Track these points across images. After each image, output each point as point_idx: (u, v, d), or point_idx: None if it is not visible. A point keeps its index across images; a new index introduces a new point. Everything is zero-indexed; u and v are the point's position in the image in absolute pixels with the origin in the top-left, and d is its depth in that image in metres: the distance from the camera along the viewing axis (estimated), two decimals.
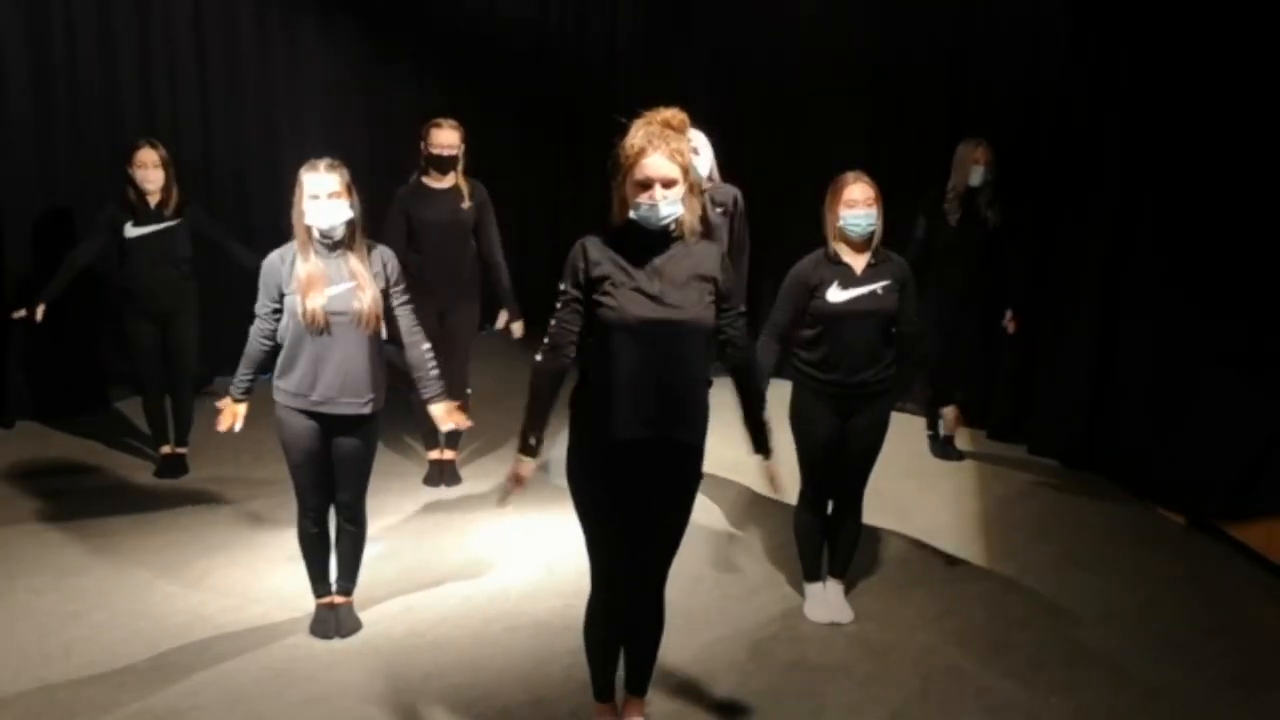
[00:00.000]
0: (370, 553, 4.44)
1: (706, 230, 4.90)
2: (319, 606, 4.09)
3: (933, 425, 6.01)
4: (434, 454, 5.57)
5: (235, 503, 5.22)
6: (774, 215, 6.69)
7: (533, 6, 8.47)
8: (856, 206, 3.91)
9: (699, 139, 5.01)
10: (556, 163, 8.61)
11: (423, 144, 5.26)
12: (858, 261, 3.97)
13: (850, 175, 3.98)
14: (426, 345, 3.98)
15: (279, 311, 3.84)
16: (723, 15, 7.54)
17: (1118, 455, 5.58)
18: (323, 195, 3.72)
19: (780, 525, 4.93)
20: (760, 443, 3.31)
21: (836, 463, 4.10)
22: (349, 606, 4.12)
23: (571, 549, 4.72)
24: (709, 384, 3.22)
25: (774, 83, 7.28)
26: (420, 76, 7.99)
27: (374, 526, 4.44)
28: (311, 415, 3.83)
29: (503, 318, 5.62)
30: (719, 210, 5.07)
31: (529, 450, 3.13)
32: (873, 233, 3.94)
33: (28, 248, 6.17)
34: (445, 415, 3.99)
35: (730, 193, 5.12)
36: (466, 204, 5.29)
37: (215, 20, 6.93)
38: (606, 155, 3.04)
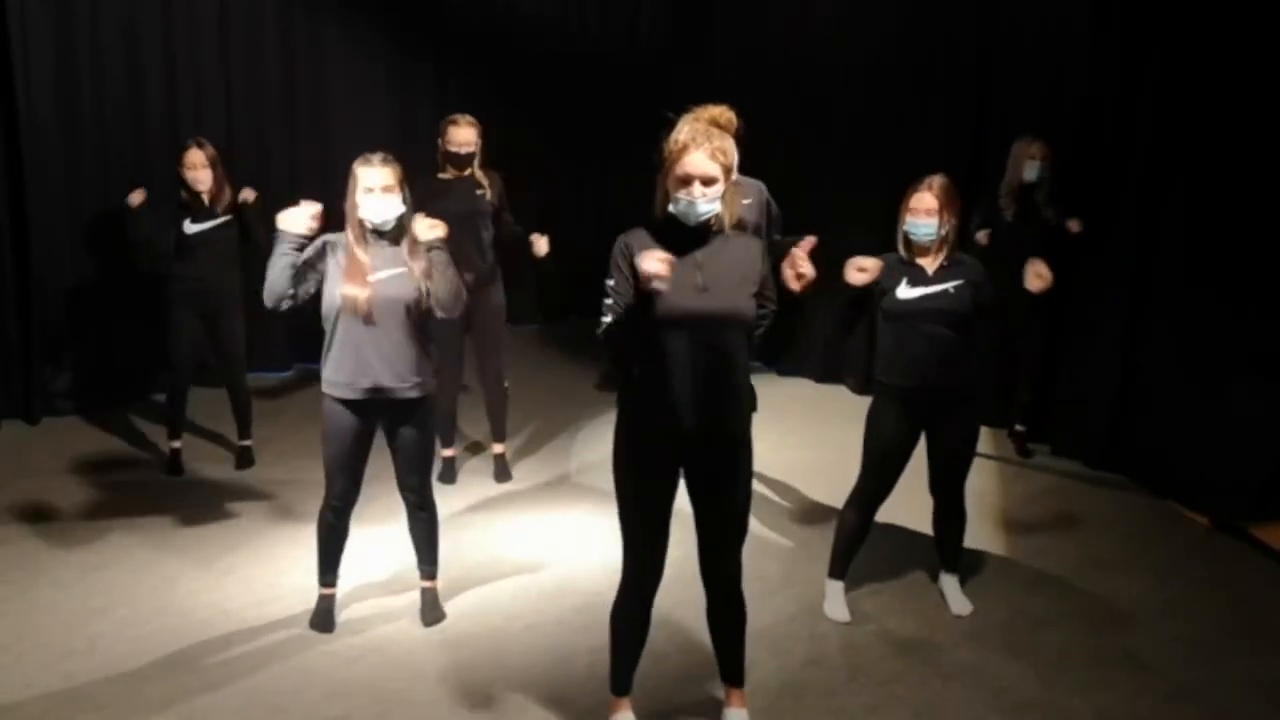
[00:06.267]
0: (387, 551, 4.47)
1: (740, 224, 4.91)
2: (321, 597, 4.09)
3: None
4: (448, 451, 5.56)
5: (258, 499, 5.24)
6: (798, 214, 6.66)
7: (556, 5, 8.47)
8: (918, 215, 4.00)
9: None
10: (579, 162, 8.61)
11: (440, 141, 5.27)
12: (929, 263, 4.03)
13: (923, 182, 4.04)
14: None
15: (308, 269, 3.83)
16: (747, 14, 7.52)
17: (1141, 456, 5.53)
18: (377, 189, 3.76)
19: (800, 524, 4.92)
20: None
21: (897, 470, 4.10)
22: (434, 593, 4.14)
23: (593, 548, 4.74)
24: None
25: (797, 82, 7.25)
26: (442, 76, 7.99)
27: (391, 525, 4.45)
28: (360, 405, 3.85)
29: (537, 242, 5.26)
30: (745, 202, 5.05)
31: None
32: (932, 240, 4.00)
33: (54, 255, 6.22)
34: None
35: (754, 185, 5.10)
36: (487, 194, 5.29)
37: (238, 23, 6.96)
38: (651, 150, 3.09)
